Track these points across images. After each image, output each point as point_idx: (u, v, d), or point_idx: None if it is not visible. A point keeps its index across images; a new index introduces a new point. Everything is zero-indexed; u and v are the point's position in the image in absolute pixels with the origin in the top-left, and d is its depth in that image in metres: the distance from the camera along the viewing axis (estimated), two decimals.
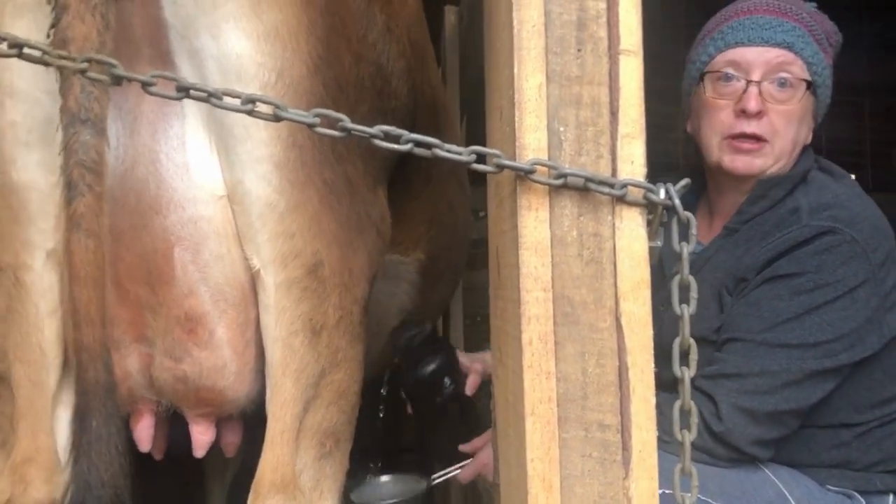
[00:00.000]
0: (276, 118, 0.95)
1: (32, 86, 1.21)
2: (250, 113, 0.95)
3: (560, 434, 0.97)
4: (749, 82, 1.69)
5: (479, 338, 3.37)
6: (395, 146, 0.96)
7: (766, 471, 1.69)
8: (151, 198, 1.26)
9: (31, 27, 1.18)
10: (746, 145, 1.70)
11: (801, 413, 1.61)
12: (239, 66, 1.24)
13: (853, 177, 1.87)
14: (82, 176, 1.11)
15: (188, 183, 1.27)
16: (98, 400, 1.15)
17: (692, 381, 1.02)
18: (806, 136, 1.77)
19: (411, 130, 0.98)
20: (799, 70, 1.71)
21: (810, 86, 1.71)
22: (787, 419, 1.60)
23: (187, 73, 1.25)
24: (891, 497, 1.74)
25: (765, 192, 1.72)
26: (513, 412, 1.06)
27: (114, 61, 0.97)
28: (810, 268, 1.59)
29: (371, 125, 0.97)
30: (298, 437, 1.33)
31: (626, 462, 0.98)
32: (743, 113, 1.68)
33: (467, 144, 1.02)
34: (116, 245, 1.26)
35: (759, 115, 1.68)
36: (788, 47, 1.70)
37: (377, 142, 0.96)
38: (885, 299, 1.64)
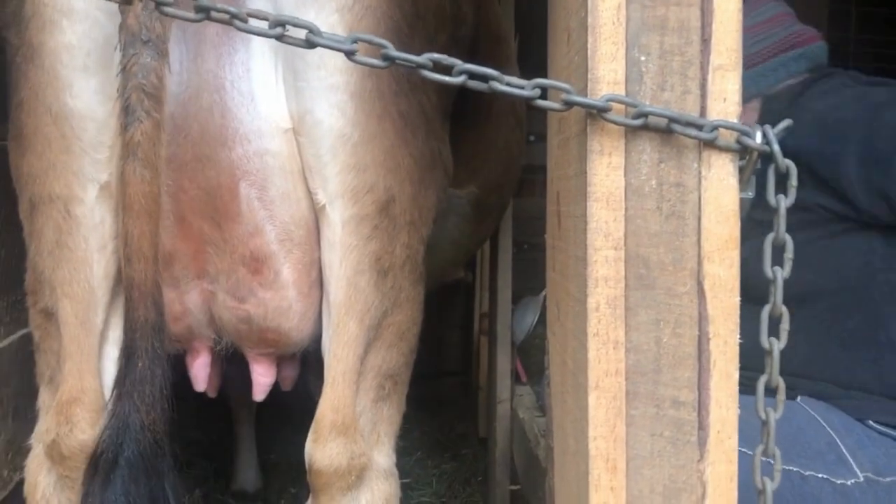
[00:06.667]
0: (310, 44, 0.81)
1: (91, 4, 1.12)
2: (280, 38, 0.81)
3: (628, 411, 0.86)
4: None
5: (526, 266, 3.25)
6: (447, 78, 0.82)
7: (820, 420, 1.64)
8: (217, 129, 1.18)
9: None
10: None
11: None
12: None
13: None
14: (141, 101, 1.04)
15: (254, 114, 1.18)
16: (146, 340, 1.09)
17: None
18: None
19: (472, 59, 0.84)
20: None
21: None
22: None
23: None
24: None
25: (769, 107, 1.76)
26: (572, 380, 0.95)
27: None
28: None
29: (449, 54, 0.84)
30: (359, 378, 1.27)
31: (702, 443, 0.87)
32: None
33: (521, 71, 0.88)
34: (179, 176, 1.19)
35: None
36: None
37: (425, 73, 0.82)
38: None
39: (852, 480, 1.57)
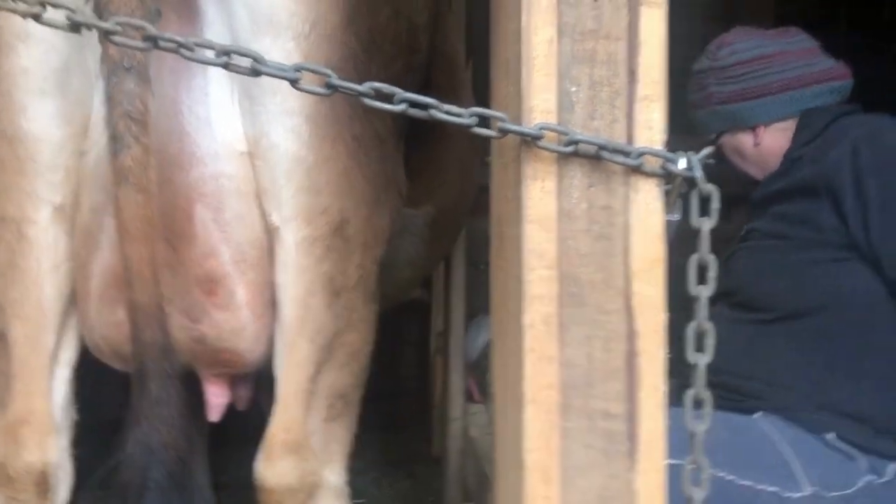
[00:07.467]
0: (255, 73, 0.85)
1: (46, 30, 1.11)
2: (226, 66, 0.85)
3: (562, 423, 0.90)
4: None
5: (482, 285, 3.29)
6: (388, 106, 0.86)
7: (774, 436, 1.68)
8: (174, 152, 1.20)
9: None
10: None
11: None
12: (271, 13, 1.16)
13: None
14: (128, 127, 1.06)
15: (210, 137, 1.21)
16: (155, 362, 1.12)
17: None
18: (757, 145, 1.93)
19: (427, 85, 0.88)
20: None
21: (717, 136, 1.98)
22: None
23: (215, 21, 1.18)
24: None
25: (807, 121, 1.87)
26: (511, 394, 0.99)
27: (71, 6, 0.86)
28: None
29: (402, 82, 0.88)
30: (310, 398, 1.29)
31: (632, 453, 0.91)
32: None
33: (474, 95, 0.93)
34: None
35: None
36: None
37: (367, 101, 0.86)
38: None
39: (799, 494, 1.62)
